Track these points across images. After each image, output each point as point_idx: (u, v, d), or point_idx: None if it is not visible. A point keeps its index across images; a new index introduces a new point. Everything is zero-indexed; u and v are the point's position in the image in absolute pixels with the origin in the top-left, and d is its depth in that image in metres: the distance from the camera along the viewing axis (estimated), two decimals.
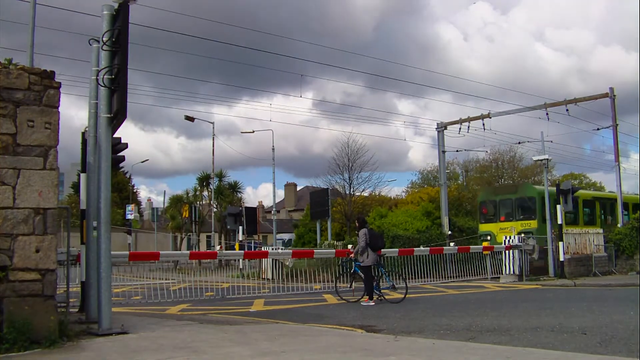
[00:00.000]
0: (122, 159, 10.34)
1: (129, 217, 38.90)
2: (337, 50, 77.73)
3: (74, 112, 75.05)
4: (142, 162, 66.34)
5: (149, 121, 71.98)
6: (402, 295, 12.89)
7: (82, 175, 9.36)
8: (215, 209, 37.51)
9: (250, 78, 62.52)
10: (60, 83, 7.15)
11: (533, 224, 23.23)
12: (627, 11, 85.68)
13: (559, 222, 19.41)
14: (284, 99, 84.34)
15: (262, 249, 23.27)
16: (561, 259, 19.13)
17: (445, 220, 27.26)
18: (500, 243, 19.63)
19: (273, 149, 32.80)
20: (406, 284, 13.77)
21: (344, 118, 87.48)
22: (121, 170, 40.27)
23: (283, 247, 28.40)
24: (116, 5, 7.73)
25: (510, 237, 19.15)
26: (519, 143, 34.51)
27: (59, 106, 7.09)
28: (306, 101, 67.24)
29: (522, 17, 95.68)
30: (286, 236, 47.55)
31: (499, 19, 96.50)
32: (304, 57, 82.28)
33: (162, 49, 53.33)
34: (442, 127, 30.56)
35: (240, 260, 20.38)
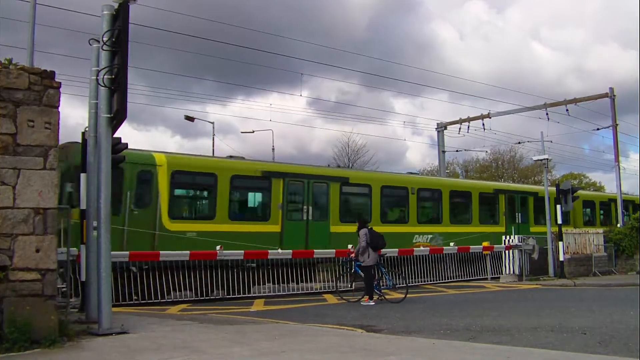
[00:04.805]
0: (122, 159, 10.34)
1: None
2: (332, 48, 77.36)
3: (70, 112, 74.70)
4: None
5: (143, 120, 71.72)
6: (403, 295, 12.89)
7: (82, 175, 9.36)
8: None
9: (246, 76, 62.25)
10: (60, 83, 7.16)
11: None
12: (623, 9, 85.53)
13: (559, 222, 19.44)
14: (280, 97, 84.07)
15: None
16: (561, 258, 19.13)
17: None
18: None
19: (273, 149, 32.75)
20: (406, 284, 13.78)
21: (341, 117, 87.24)
22: None
23: None
24: (116, 5, 7.74)
25: (510, 237, 19.14)
26: (519, 143, 34.62)
27: (59, 106, 7.10)
28: (303, 100, 67.08)
29: (518, 16, 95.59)
30: None
31: (495, 17, 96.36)
32: (299, 55, 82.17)
33: (155, 46, 53.14)
34: (442, 127, 30.60)
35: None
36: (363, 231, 12.92)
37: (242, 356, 6.10)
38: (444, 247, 18.33)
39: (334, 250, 15.54)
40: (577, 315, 10.05)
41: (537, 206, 22.71)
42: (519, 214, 22.33)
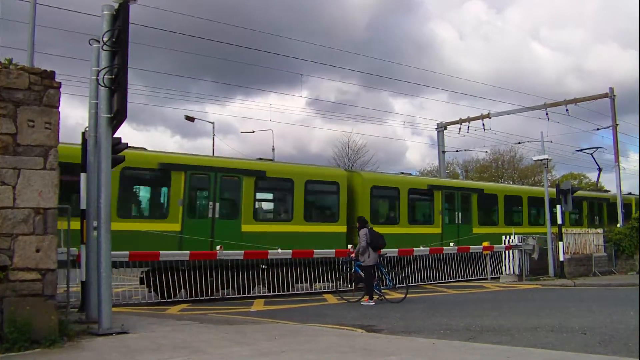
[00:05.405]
0: (122, 159, 10.32)
1: None
2: (332, 48, 77.52)
3: (70, 111, 74.78)
4: None
5: (143, 120, 71.88)
6: (403, 295, 12.89)
7: (82, 175, 9.36)
8: None
9: (245, 77, 62.27)
10: (60, 83, 7.17)
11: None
12: (623, 9, 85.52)
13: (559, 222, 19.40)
14: (279, 97, 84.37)
15: None
16: (561, 258, 19.13)
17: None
18: None
19: (273, 149, 32.66)
20: (406, 284, 13.77)
21: (340, 117, 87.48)
22: None
23: None
24: (116, 5, 7.74)
25: (510, 237, 19.14)
26: (519, 143, 34.65)
27: (59, 106, 7.10)
28: (302, 100, 67.02)
29: (518, 16, 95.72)
30: None
31: (494, 17, 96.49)
32: (299, 55, 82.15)
33: (154, 46, 53.15)
34: (442, 127, 30.61)
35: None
36: (363, 231, 12.91)
37: (242, 356, 6.10)
38: (444, 247, 18.30)
39: (334, 250, 15.51)
40: (577, 315, 10.05)
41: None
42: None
